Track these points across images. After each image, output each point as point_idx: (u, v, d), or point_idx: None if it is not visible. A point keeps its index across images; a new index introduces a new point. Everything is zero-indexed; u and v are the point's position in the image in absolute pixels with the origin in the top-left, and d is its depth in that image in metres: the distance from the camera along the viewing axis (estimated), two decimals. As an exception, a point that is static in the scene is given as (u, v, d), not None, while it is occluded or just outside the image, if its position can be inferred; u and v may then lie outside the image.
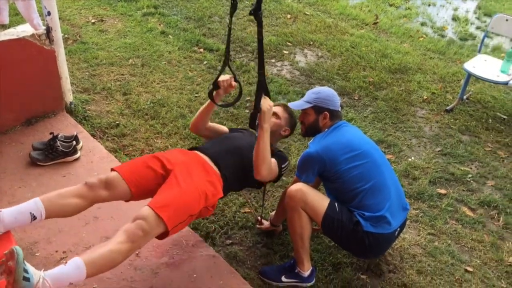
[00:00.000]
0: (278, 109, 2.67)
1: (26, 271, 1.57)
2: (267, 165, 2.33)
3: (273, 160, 2.43)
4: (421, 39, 5.75)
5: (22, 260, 1.56)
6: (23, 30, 3.09)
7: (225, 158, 2.39)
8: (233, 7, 2.11)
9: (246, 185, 2.62)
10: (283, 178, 3.03)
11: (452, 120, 4.10)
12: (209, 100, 2.55)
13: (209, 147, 2.49)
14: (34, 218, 1.93)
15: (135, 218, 1.93)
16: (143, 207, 1.98)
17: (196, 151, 2.45)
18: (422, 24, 6.33)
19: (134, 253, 1.97)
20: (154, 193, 2.12)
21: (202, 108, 2.66)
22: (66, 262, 1.74)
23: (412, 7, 6.84)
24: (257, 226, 2.75)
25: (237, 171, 2.41)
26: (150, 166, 2.24)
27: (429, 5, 7.01)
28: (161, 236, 2.03)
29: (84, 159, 2.99)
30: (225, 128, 2.81)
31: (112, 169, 2.21)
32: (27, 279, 1.57)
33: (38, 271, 1.64)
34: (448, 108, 4.23)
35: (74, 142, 2.95)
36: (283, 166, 2.51)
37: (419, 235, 2.86)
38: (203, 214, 2.24)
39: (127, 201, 2.22)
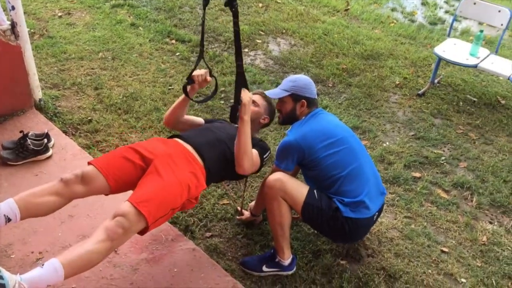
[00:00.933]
0: (257, 97, 2.64)
1: (0, 277, 1.53)
2: (249, 158, 2.30)
3: (254, 151, 2.40)
4: (392, 24, 5.81)
5: None
6: (-14, 26, 2.98)
7: (209, 150, 2.33)
8: (206, 0, 2.08)
9: (228, 177, 2.60)
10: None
11: (424, 104, 4.17)
12: (183, 95, 2.51)
13: (192, 136, 2.41)
14: (8, 220, 1.86)
15: (115, 214, 1.86)
16: (123, 203, 1.91)
17: (177, 139, 2.37)
18: (393, 9, 6.39)
19: (113, 251, 1.93)
20: (134, 186, 2.06)
21: (176, 102, 2.60)
22: (43, 264, 1.70)
23: (382, -7, 6.89)
24: (237, 217, 2.75)
25: (220, 163, 2.36)
26: (128, 158, 2.16)
27: (399, -10, 7.08)
28: (141, 232, 1.97)
29: (57, 156, 2.92)
30: (200, 120, 2.76)
31: (89, 163, 2.13)
32: (2, 286, 1.52)
33: (14, 275, 1.60)
34: (420, 92, 4.30)
35: (46, 140, 2.87)
36: (264, 156, 2.49)
37: (395, 219, 2.92)
38: (186, 207, 2.19)
39: (106, 194, 2.15)
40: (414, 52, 5.07)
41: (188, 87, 2.47)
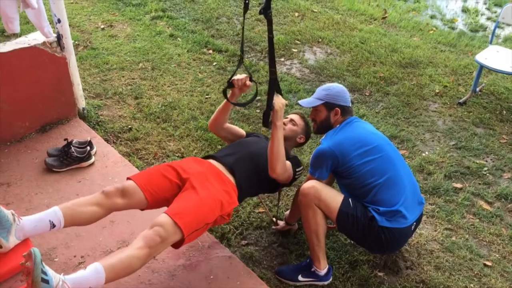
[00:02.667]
0: (295, 117, 2.72)
1: (44, 273, 1.59)
2: (282, 162, 2.34)
3: (288, 162, 2.44)
4: (431, 32, 5.70)
5: (39, 261, 1.58)
6: (34, 38, 3.12)
7: (240, 167, 2.39)
8: (246, 7, 2.13)
9: (261, 191, 2.65)
10: (296, 176, 3.02)
11: (465, 113, 4.06)
12: (225, 100, 2.55)
13: (224, 155, 2.48)
14: (53, 226, 1.95)
15: (153, 225, 1.95)
16: (160, 215, 2.00)
17: (211, 160, 2.45)
18: (432, 17, 6.27)
19: (151, 259, 1.98)
20: (169, 203, 2.14)
21: (219, 107, 2.68)
22: (85, 267, 1.76)
23: (421, 0, 6.78)
24: (273, 227, 2.75)
25: (252, 178, 2.41)
26: (165, 176, 2.26)
27: (438, -3, 6.95)
28: (176, 245, 2.04)
29: (99, 164, 3.02)
30: (242, 131, 2.82)
31: (128, 178, 2.23)
32: (45, 281, 1.58)
33: (58, 274, 1.66)
34: (461, 101, 4.19)
35: (88, 148, 2.98)
36: (297, 169, 2.53)
37: (436, 231, 2.84)
38: (219, 222, 2.25)
39: (142, 209, 2.24)
40: (454, 60, 4.95)
41: (229, 92, 2.51)
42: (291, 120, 2.70)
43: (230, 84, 2.46)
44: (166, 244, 1.95)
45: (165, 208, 2.11)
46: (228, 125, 2.76)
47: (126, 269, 1.84)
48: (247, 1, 2.09)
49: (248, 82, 2.48)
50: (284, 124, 2.62)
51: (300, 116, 2.75)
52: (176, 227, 1.95)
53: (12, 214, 1.89)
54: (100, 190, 2.13)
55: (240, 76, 2.46)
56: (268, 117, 2.29)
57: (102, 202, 2.09)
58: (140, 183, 2.18)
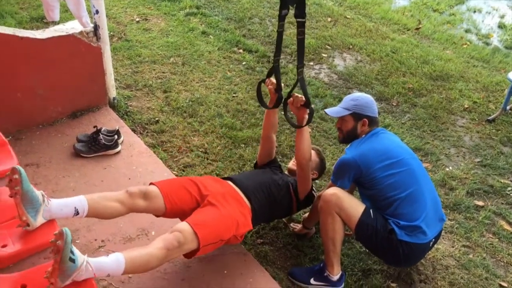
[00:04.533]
0: (312, 153, 2.71)
1: (72, 252, 1.66)
2: (310, 151, 2.47)
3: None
4: (465, 46, 5.61)
5: (70, 241, 1.65)
6: (72, 27, 3.23)
7: (256, 193, 2.45)
8: (284, 11, 2.18)
9: (275, 217, 2.71)
10: (316, 181, 3.04)
11: (493, 130, 4.00)
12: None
13: (242, 179, 2.54)
14: (77, 213, 2.03)
15: (173, 230, 2.03)
16: (181, 222, 2.10)
17: (229, 182, 2.51)
18: (467, 30, 6.17)
19: (166, 262, 2.05)
20: (184, 215, 2.21)
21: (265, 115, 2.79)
22: (108, 254, 1.83)
23: (456, 13, 6.68)
24: (290, 228, 2.77)
25: (266, 205, 2.47)
26: (187, 189, 2.33)
27: (475, 11, 6.82)
28: (189, 255, 2.12)
29: (125, 153, 3.10)
30: (273, 155, 2.86)
31: (152, 184, 2.31)
32: (72, 260, 1.65)
33: (83, 255, 1.73)
34: (490, 118, 4.12)
35: (116, 136, 3.06)
36: (314, 190, 2.63)
37: (453, 247, 2.81)
38: (231, 242, 2.30)
39: (157, 216, 2.31)
40: (486, 76, 4.87)
41: (266, 101, 2.58)
42: None
43: (264, 81, 2.51)
44: (182, 250, 2.03)
45: (178, 220, 2.21)
46: (274, 139, 2.82)
47: (144, 266, 1.92)
48: (283, 11, 2.11)
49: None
50: None
51: (316, 152, 2.79)
52: (194, 236, 2.03)
53: (42, 195, 1.97)
54: (123, 180, 2.20)
55: (272, 81, 2.51)
56: (312, 113, 2.38)
57: (125, 201, 2.16)
58: (162, 190, 2.26)
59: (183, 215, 2.24)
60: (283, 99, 2.41)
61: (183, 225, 2.06)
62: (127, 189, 2.20)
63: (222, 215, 2.21)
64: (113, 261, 1.81)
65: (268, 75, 2.48)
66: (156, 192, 2.24)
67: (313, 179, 2.78)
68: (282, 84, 2.54)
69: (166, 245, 1.96)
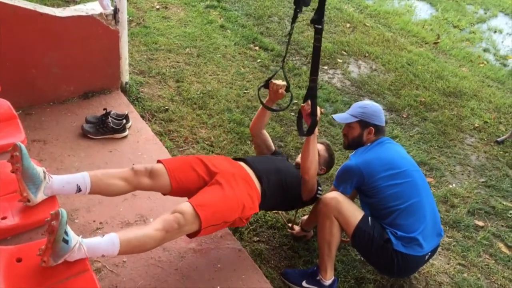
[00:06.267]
0: (321, 147, 2.70)
1: (66, 233, 1.67)
2: (315, 166, 2.39)
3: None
4: (482, 65, 5.58)
5: (65, 223, 1.66)
6: (92, 8, 3.24)
7: (268, 178, 2.40)
8: (295, 16, 2.17)
9: (280, 207, 2.67)
10: (319, 188, 3.04)
11: (501, 152, 3.97)
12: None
13: (255, 161, 2.49)
14: (79, 190, 2.03)
15: (174, 210, 1.99)
16: (183, 202, 2.05)
17: (241, 163, 2.46)
18: (485, 50, 6.13)
19: (165, 243, 2.04)
20: (191, 194, 2.17)
21: (258, 111, 2.75)
22: (103, 234, 1.84)
23: (477, 31, 6.63)
24: (288, 230, 2.78)
25: (276, 191, 2.42)
26: (194, 168, 2.29)
27: (495, 31, 6.77)
28: (191, 235, 2.09)
29: (131, 138, 3.12)
30: (272, 146, 2.85)
31: (159, 161, 2.28)
32: (66, 241, 1.66)
33: (77, 236, 1.74)
34: (499, 139, 4.10)
35: (124, 121, 3.08)
36: (319, 188, 2.56)
37: (448, 264, 2.81)
38: (236, 224, 2.27)
39: (164, 194, 2.29)
40: (500, 97, 4.83)
41: (264, 97, 2.55)
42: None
43: (267, 85, 2.50)
44: (182, 231, 1.99)
45: (185, 199, 2.16)
46: (265, 133, 2.80)
47: (140, 247, 1.90)
48: (298, 11, 2.11)
49: (281, 91, 2.51)
50: None
51: (325, 148, 2.74)
52: (196, 217, 1.99)
53: (44, 172, 1.98)
54: (128, 165, 2.19)
55: (278, 81, 2.50)
56: (315, 125, 2.30)
57: (130, 179, 2.14)
58: (169, 168, 2.22)
59: (189, 194, 2.19)
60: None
61: (185, 206, 2.01)
62: (132, 166, 2.18)
63: (227, 196, 2.14)
64: (108, 242, 1.80)
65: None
66: (162, 170, 2.21)
67: (321, 175, 2.76)
68: (290, 91, 2.54)
69: (165, 226, 1.92)
